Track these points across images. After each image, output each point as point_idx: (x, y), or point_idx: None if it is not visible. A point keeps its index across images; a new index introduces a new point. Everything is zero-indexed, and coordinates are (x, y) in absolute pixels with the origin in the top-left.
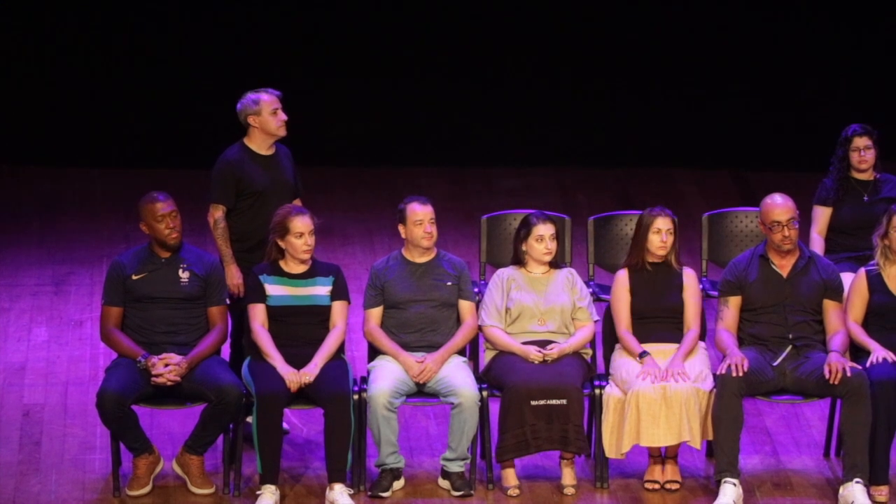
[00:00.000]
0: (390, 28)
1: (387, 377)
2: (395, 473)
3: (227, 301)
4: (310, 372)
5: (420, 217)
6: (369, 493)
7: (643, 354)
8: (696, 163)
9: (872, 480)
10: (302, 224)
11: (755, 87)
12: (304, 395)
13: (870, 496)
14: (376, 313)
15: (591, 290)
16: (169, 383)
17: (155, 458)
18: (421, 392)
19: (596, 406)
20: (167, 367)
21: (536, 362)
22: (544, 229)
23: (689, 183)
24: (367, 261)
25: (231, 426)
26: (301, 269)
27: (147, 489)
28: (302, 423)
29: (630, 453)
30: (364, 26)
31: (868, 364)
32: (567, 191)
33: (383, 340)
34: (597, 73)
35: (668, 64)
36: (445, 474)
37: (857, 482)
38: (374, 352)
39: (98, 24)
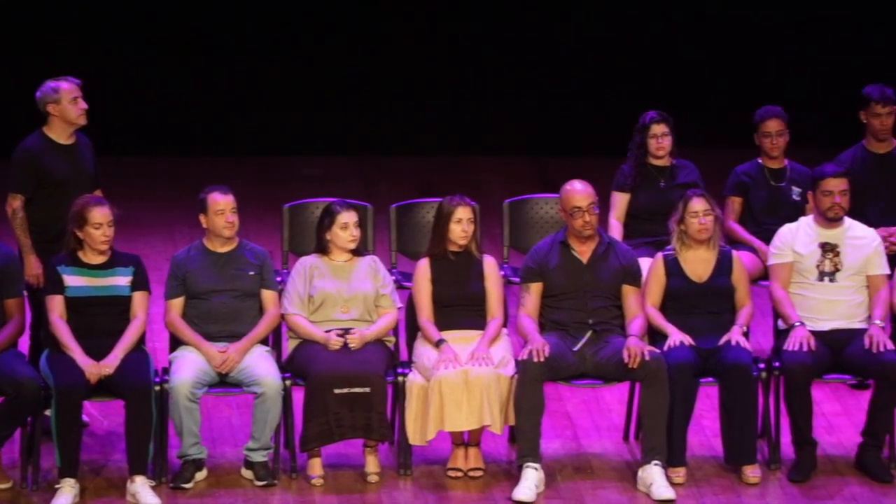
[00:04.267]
0: (194, 11)
1: (189, 368)
2: (198, 464)
3: (25, 292)
4: (109, 363)
5: (221, 206)
6: (171, 484)
7: (440, 342)
8: (496, 150)
9: (670, 462)
10: (100, 215)
11: (553, 74)
12: (104, 387)
13: (668, 478)
14: (178, 304)
15: (393, 277)
16: None
17: None
18: (223, 382)
19: (399, 393)
20: None
21: (337, 348)
22: (347, 217)
23: (489, 170)
24: (167, 251)
25: (29, 420)
26: (100, 259)
27: None
28: (102, 415)
29: (433, 441)
30: (164, 10)
31: (666, 348)
32: (369, 179)
33: (185, 331)
34: (397, 61)
35: (467, 52)
36: (248, 464)
37: (656, 464)
38: (175, 342)
39: None
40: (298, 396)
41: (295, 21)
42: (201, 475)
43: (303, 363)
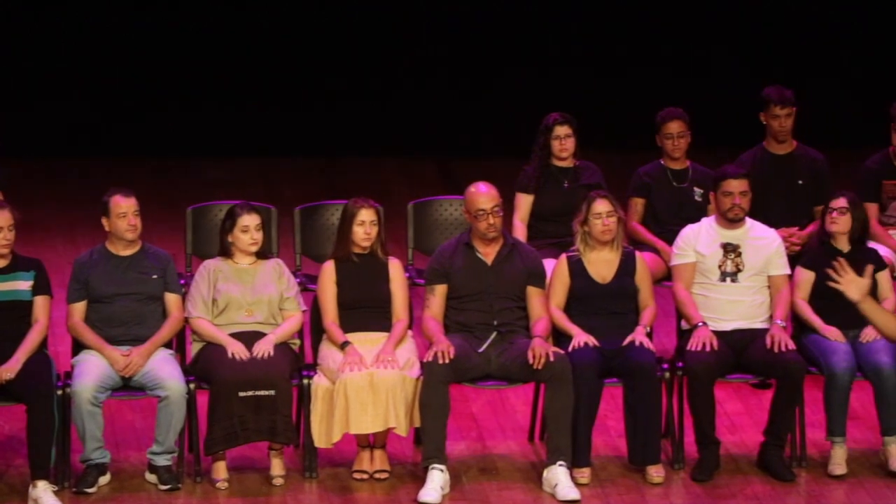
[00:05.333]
0: (95, 8)
1: (91, 372)
2: (101, 469)
3: None
4: (11, 368)
5: (123, 209)
6: (74, 489)
7: (345, 344)
8: (401, 152)
9: (575, 463)
10: (1, 218)
11: (457, 75)
12: (6, 392)
13: (573, 478)
14: (80, 307)
15: (298, 280)
16: None
17: None
18: (127, 386)
19: (304, 396)
20: None
21: (243, 356)
22: (249, 220)
23: (394, 172)
24: (69, 254)
25: None
26: (1, 263)
27: None
28: (3, 420)
29: (339, 443)
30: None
31: (570, 349)
32: (273, 181)
33: (87, 335)
34: (301, 63)
35: (374, 54)
36: (152, 468)
37: (561, 465)
38: (78, 346)
39: None
40: (203, 400)
41: (195, 20)
42: (104, 480)
43: (207, 366)
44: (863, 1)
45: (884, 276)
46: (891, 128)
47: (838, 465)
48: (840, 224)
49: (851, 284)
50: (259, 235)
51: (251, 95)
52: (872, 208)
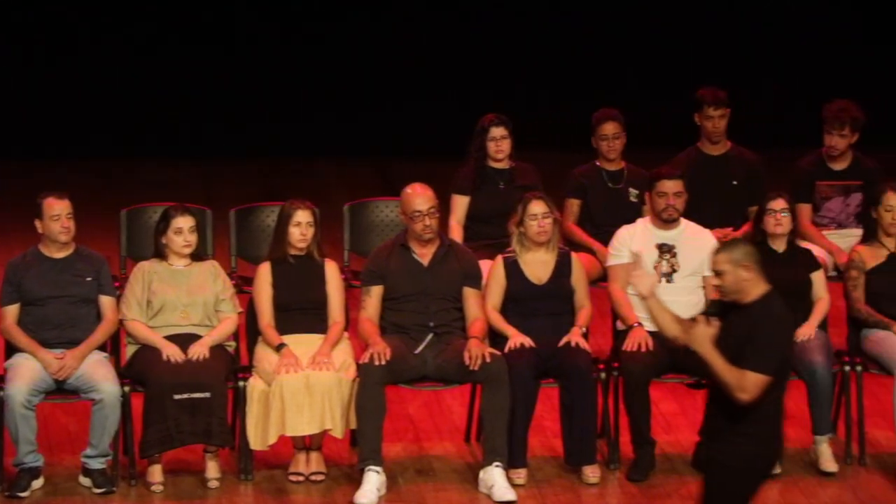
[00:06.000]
0: (32, 12)
1: (24, 375)
2: (34, 472)
3: None
4: None
5: (57, 211)
6: (7, 493)
7: (281, 346)
8: (338, 154)
9: (511, 464)
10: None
11: (394, 78)
12: None
13: (509, 479)
14: (13, 310)
15: (234, 282)
16: None
17: None
18: (61, 389)
19: (240, 398)
20: None
21: (178, 359)
22: (182, 222)
23: (331, 174)
24: (2, 257)
25: None
26: None
27: None
28: None
29: (275, 445)
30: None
31: (506, 350)
32: (210, 183)
33: (20, 337)
34: (239, 65)
35: (308, 56)
36: (86, 472)
37: (497, 466)
38: (11, 349)
39: None
40: (138, 402)
41: (133, 21)
42: (38, 483)
43: (142, 369)
44: (795, 3)
45: (818, 277)
46: (824, 129)
47: None
48: (784, 225)
49: (642, 280)
50: (193, 237)
51: (191, 99)
52: (806, 209)
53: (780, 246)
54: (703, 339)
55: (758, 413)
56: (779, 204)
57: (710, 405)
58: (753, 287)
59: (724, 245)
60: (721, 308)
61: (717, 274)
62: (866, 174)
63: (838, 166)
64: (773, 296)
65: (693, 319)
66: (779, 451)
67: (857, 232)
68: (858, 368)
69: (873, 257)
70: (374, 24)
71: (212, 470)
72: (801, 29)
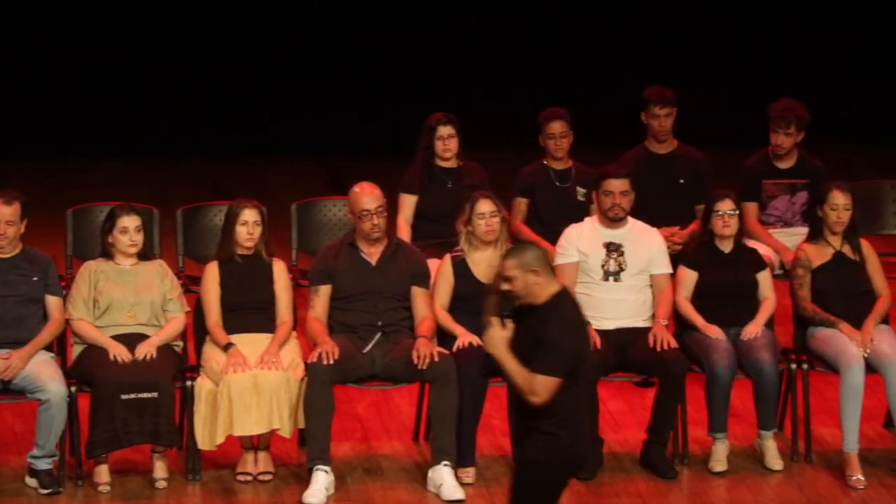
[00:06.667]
0: None
1: None
2: None
3: None
4: None
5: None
6: None
7: (229, 346)
8: (286, 153)
9: (460, 462)
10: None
11: (341, 77)
12: None
13: (457, 478)
14: None
15: (181, 281)
16: None
17: None
18: (7, 389)
19: (187, 398)
20: None
21: (125, 358)
22: (128, 221)
23: (279, 173)
24: None
25: None
26: None
27: None
28: None
29: (223, 445)
30: None
31: (455, 349)
32: (158, 182)
33: None
34: (184, 64)
35: (257, 55)
36: (33, 472)
37: (445, 465)
38: None
39: None
40: (84, 403)
41: (78, 21)
42: None
43: (89, 369)
44: (742, 3)
45: (765, 276)
46: (770, 128)
47: (719, 462)
48: (732, 227)
49: (492, 339)
50: (138, 237)
51: (139, 98)
52: (752, 207)
53: (726, 246)
54: (498, 342)
55: (556, 411)
56: (726, 205)
57: (514, 405)
58: (544, 289)
59: (512, 250)
60: (516, 311)
61: (507, 279)
62: (812, 173)
63: (784, 165)
64: (564, 297)
65: (489, 323)
66: (583, 446)
67: (804, 230)
68: (804, 366)
69: (819, 256)
70: (322, 27)
71: (159, 470)
72: (745, 28)
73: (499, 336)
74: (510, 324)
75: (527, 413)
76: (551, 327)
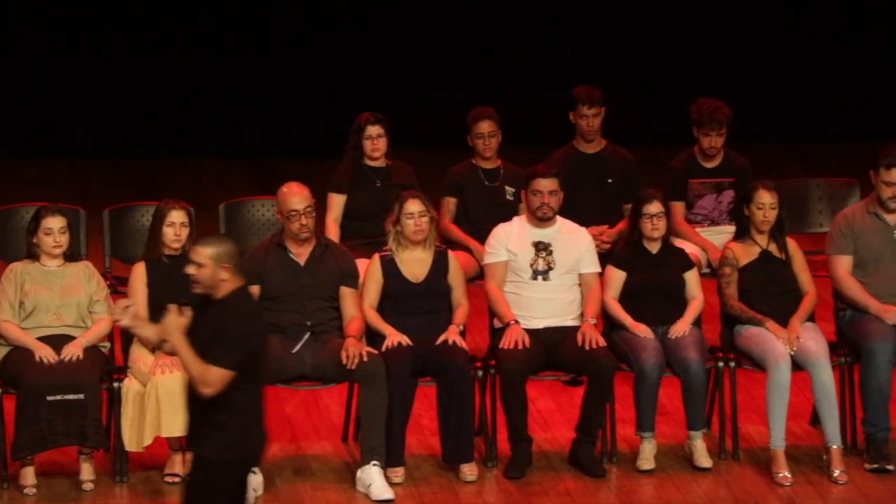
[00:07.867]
0: None
1: None
2: None
3: None
4: None
5: None
6: None
7: (157, 347)
8: (216, 152)
9: (389, 462)
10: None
11: (271, 77)
12: None
13: (387, 478)
14: None
15: (108, 282)
16: None
17: None
18: None
19: (115, 399)
20: None
21: (53, 362)
22: (53, 222)
23: (208, 172)
24: None
25: None
26: None
27: None
28: None
29: (150, 446)
30: None
31: (384, 348)
32: (83, 182)
33: None
34: (119, 62)
35: (192, 54)
36: None
37: (375, 465)
38: None
39: None
40: (10, 404)
41: (12, 22)
42: None
43: (14, 370)
44: (668, 1)
45: (692, 276)
46: (699, 130)
47: (647, 460)
48: (661, 229)
49: (168, 326)
50: (63, 238)
51: (65, 96)
52: (679, 206)
53: (654, 247)
54: (174, 328)
55: (229, 405)
56: (655, 207)
57: (189, 399)
58: (227, 286)
59: (209, 239)
60: (198, 300)
61: (197, 266)
62: (737, 171)
63: (710, 164)
64: (243, 293)
65: (167, 309)
66: (258, 445)
67: (730, 229)
68: (732, 364)
69: (746, 254)
70: (256, 29)
71: (86, 472)
72: (672, 27)
73: (175, 323)
74: (188, 311)
75: (201, 406)
76: (231, 321)
